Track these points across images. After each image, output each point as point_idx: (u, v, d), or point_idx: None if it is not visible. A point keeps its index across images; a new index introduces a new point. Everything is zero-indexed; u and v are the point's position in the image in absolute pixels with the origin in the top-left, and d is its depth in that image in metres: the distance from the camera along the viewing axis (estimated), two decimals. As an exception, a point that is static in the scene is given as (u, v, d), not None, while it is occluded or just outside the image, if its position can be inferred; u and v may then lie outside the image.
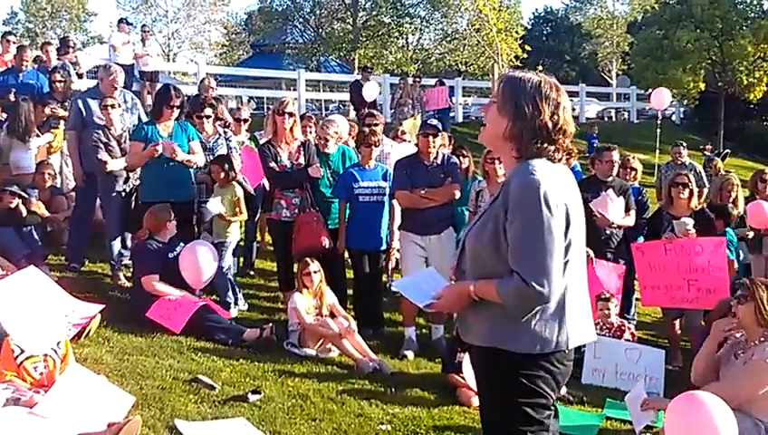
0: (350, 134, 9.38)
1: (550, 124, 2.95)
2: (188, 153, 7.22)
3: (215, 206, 7.13)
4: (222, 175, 7.28)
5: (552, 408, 3.06)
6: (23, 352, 4.64)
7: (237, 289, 7.42)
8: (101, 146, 7.36)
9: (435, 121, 7.13)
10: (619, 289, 7.43)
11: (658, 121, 17.27)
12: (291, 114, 7.15)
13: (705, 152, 21.36)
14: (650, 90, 28.51)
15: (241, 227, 7.84)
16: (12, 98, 9.66)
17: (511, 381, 2.97)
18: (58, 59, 12.16)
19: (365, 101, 16.71)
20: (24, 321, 4.76)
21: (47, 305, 5.20)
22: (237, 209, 7.34)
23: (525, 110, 2.95)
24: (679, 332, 7.63)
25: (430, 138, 6.80)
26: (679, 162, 12.24)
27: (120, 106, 7.63)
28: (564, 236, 2.88)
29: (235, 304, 7.22)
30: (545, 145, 2.96)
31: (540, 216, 2.83)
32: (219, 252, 6.88)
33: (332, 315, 6.57)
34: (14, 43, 11.41)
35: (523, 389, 2.96)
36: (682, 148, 12.55)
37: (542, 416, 3.00)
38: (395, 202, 7.19)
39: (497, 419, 3.09)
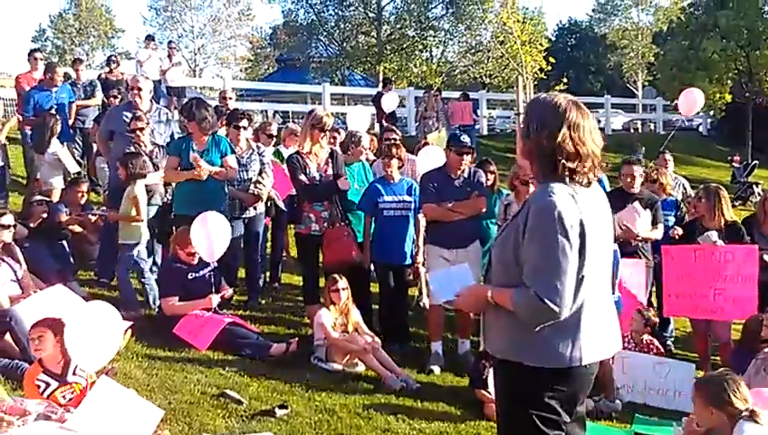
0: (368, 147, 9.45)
1: (545, 142, 3.02)
2: (221, 167, 7.15)
3: None
4: (123, 173, 7.09)
5: (565, 427, 3.10)
6: (48, 386, 4.67)
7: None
8: None
9: (467, 139, 7.02)
10: (644, 284, 7.39)
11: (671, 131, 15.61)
12: (331, 130, 7.21)
13: (734, 164, 21.15)
14: (676, 101, 28.36)
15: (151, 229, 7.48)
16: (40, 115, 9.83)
17: (524, 393, 3.07)
18: (106, 77, 12.41)
19: (385, 112, 16.73)
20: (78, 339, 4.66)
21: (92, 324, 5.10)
22: (134, 210, 7.00)
23: (531, 129, 3.09)
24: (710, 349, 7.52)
25: (464, 156, 6.78)
26: None
27: (147, 125, 7.72)
28: (579, 254, 2.96)
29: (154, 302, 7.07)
30: (551, 165, 3.04)
31: (554, 237, 2.93)
32: (126, 255, 6.97)
33: (357, 333, 6.56)
34: (41, 60, 11.56)
35: (535, 402, 3.05)
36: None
37: (551, 431, 3.05)
38: (420, 216, 7.18)
39: (509, 429, 3.19)
